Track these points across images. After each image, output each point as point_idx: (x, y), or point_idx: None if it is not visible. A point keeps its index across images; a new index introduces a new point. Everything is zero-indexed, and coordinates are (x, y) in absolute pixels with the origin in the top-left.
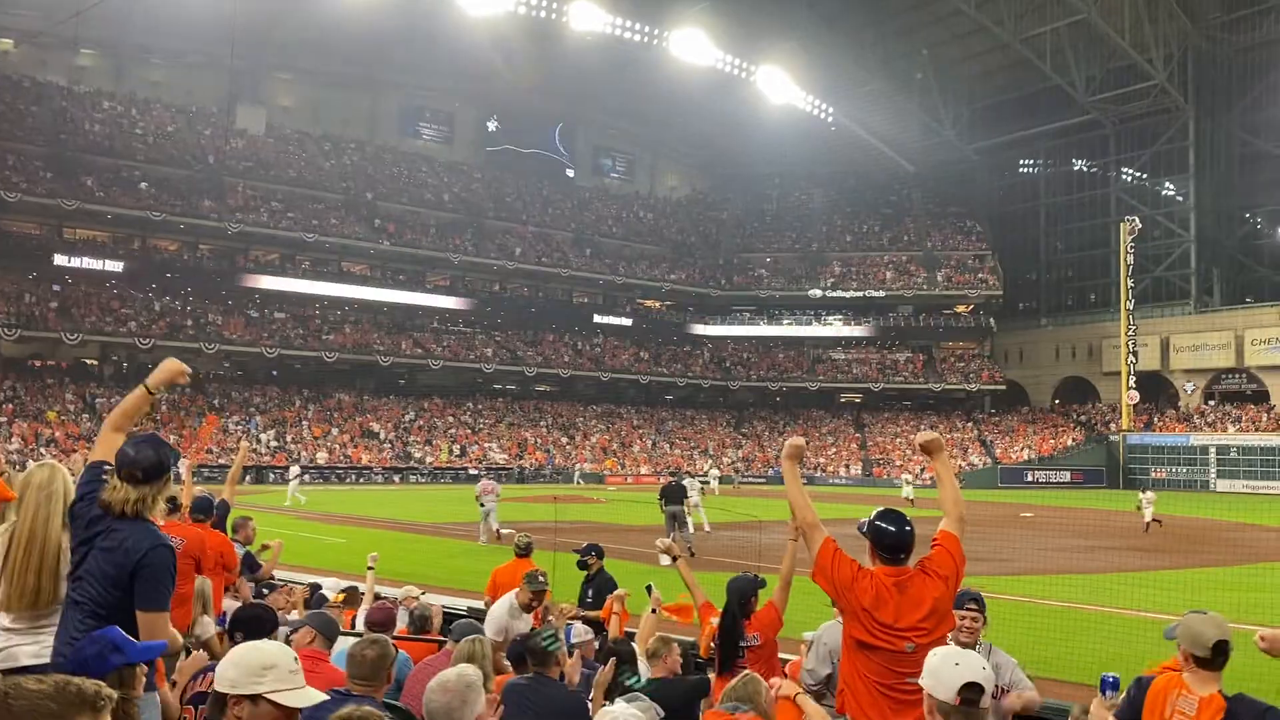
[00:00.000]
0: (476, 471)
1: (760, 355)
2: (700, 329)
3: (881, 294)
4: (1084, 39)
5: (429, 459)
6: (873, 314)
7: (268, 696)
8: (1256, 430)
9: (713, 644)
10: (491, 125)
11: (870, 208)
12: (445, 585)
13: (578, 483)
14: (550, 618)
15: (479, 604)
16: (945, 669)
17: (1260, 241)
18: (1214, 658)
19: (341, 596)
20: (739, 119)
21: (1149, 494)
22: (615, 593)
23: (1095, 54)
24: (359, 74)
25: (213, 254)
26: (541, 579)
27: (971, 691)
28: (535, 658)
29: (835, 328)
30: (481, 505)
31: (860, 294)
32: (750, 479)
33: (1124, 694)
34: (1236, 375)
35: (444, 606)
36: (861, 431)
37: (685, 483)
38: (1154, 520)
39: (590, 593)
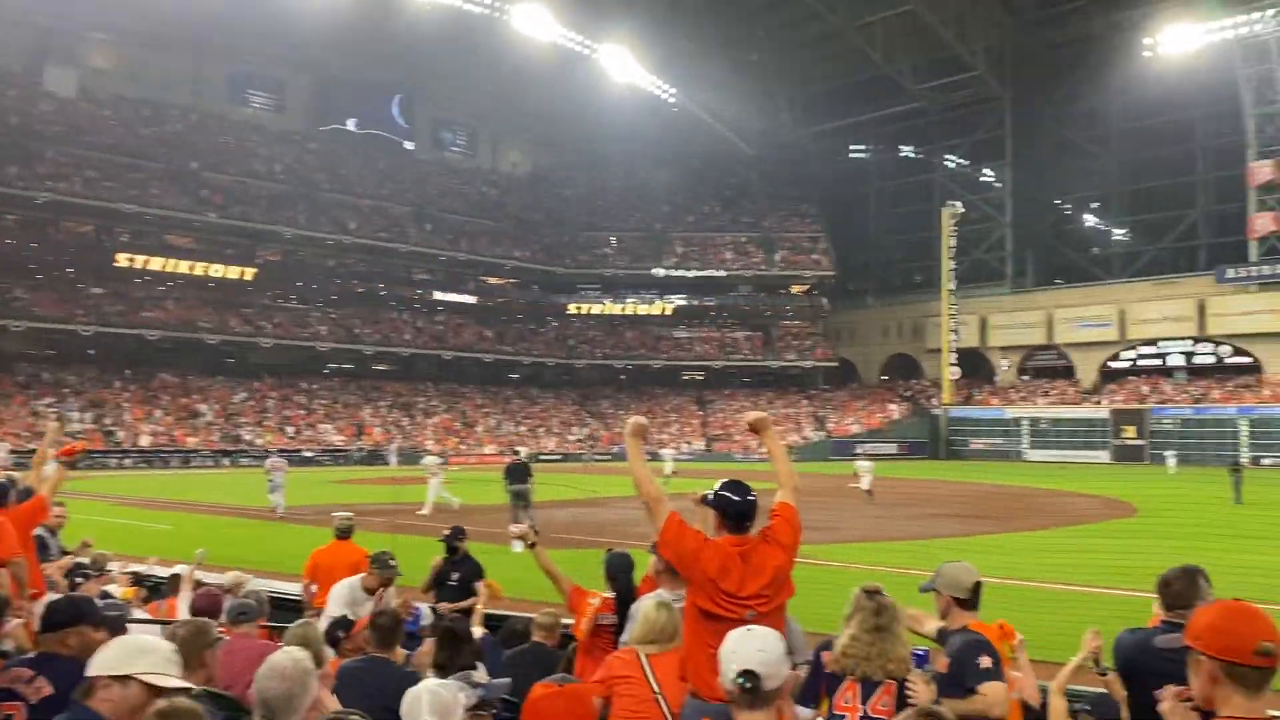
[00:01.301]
0: (312, 453)
1: (606, 334)
2: (546, 307)
3: (723, 274)
4: (912, 29)
5: (259, 441)
6: (714, 293)
7: (138, 676)
8: (1064, 403)
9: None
10: (326, 94)
11: (712, 189)
12: (275, 569)
13: (393, 464)
14: (393, 602)
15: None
16: (725, 655)
17: (1070, 227)
18: (972, 598)
19: (131, 593)
20: (583, 96)
21: (865, 463)
22: (484, 581)
23: (922, 44)
24: (182, 35)
25: (19, 225)
26: (392, 563)
27: (747, 678)
28: (379, 636)
29: (678, 306)
30: (270, 480)
31: (702, 274)
32: (598, 456)
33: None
34: (1047, 352)
35: (271, 591)
36: (703, 408)
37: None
38: (868, 490)
39: (456, 577)
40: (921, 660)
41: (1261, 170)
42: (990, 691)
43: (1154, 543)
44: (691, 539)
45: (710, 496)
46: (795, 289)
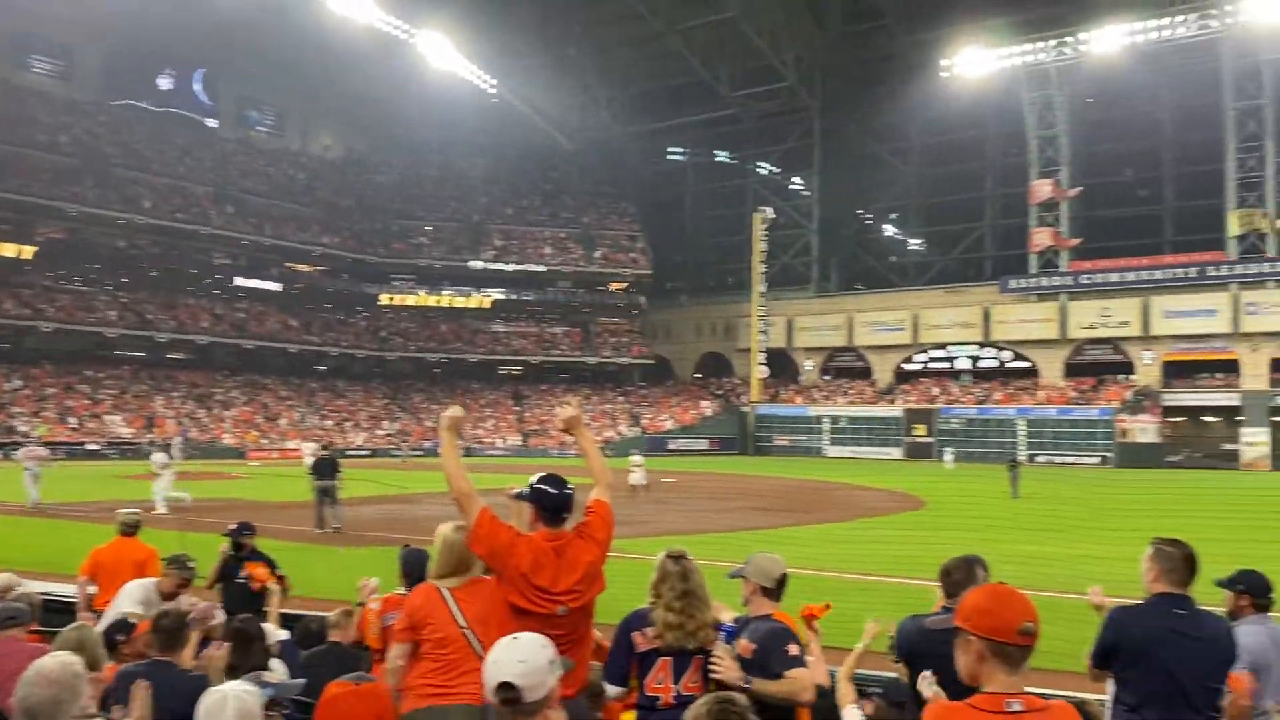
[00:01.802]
0: (96, 446)
1: (420, 326)
2: (356, 296)
3: (542, 269)
4: (730, 36)
5: (36, 433)
6: (533, 288)
7: None
8: (862, 402)
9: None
10: (119, 64)
11: (532, 182)
12: (49, 570)
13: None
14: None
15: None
16: (488, 665)
17: (871, 236)
18: (777, 588)
19: None
20: (400, 82)
21: (637, 457)
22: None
23: (739, 52)
24: None
25: None
26: (190, 564)
27: (505, 691)
28: (162, 639)
29: (495, 299)
30: (27, 470)
31: (521, 268)
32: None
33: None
34: (848, 353)
35: (44, 594)
36: (520, 404)
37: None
38: (641, 486)
39: (244, 575)
40: (730, 635)
41: (1041, 188)
42: (799, 677)
43: (940, 534)
44: (505, 534)
45: (526, 491)
46: (614, 286)
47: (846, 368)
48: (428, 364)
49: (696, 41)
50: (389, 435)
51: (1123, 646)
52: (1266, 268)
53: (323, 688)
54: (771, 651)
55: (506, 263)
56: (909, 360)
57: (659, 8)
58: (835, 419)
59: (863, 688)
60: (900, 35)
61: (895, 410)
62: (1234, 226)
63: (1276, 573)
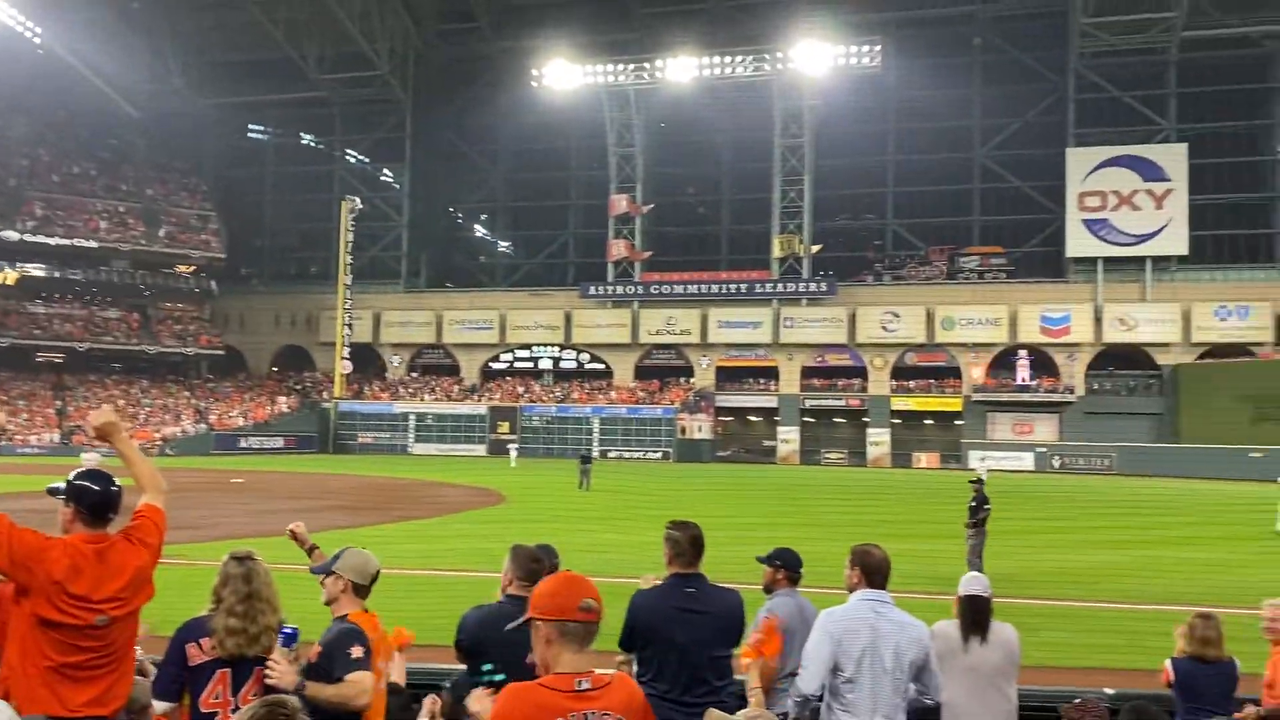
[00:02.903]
0: None
1: None
2: None
3: (93, 244)
4: (319, 15)
5: None
6: (82, 265)
7: None
8: (449, 399)
9: None
10: None
11: (85, 148)
12: None
13: None
14: None
15: None
16: None
17: (461, 234)
18: (368, 586)
19: None
20: None
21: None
22: None
23: (329, 34)
24: None
25: None
26: None
27: None
28: None
29: (33, 276)
30: None
31: (68, 241)
32: None
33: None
34: (436, 350)
35: None
36: (61, 395)
37: None
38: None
39: None
40: (290, 639)
41: (619, 203)
42: (357, 681)
43: (517, 526)
44: (31, 538)
45: (63, 486)
46: (180, 269)
47: (434, 365)
48: None
49: (280, 15)
50: None
51: (638, 627)
52: (801, 287)
53: None
54: (335, 654)
55: (50, 235)
56: (495, 359)
57: None
58: (421, 416)
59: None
60: (493, 40)
61: (481, 408)
62: (777, 249)
63: (807, 552)
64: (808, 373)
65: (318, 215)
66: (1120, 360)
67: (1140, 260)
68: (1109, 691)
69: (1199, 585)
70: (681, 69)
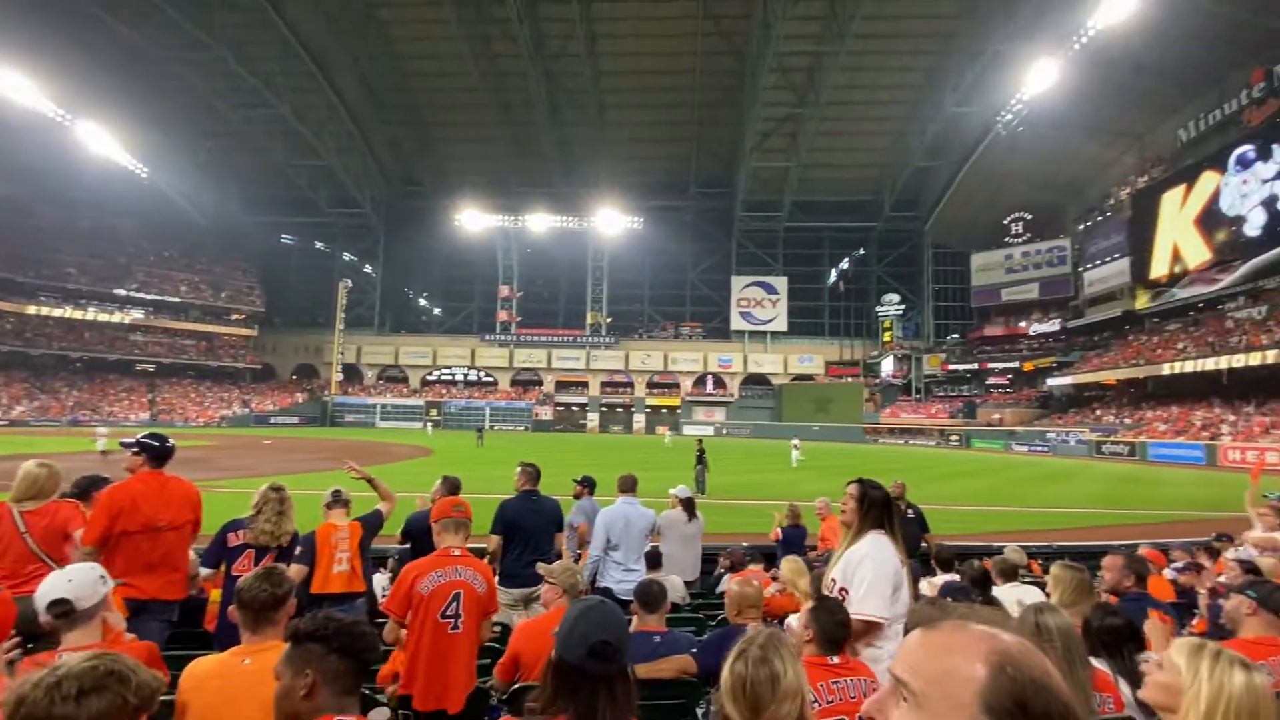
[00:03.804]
0: None
1: (65, 331)
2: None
3: (176, 299)
4: (328, 174)
5: None
6: (168, 313)
7: None
8: (402, 396)
9: None
10: None
11: (171, 241)
12: None
13: None
14: None
15: None
16: (39, 595)
17: (412, 303)
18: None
19: None
20: (57, 153)
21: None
22: None
23: (333, 185)
24: None
25: None
26: None
27: (58, 607)
28: None
29: (134, 318)
30: None
31: (159, 297)
32: None
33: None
34: (395, 368)
35: None
36: (152, 390)
37: None
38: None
39: None
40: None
41: (503, 290)
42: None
43: (440, 467)
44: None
45: (132, 442)
46: (235, 316)
47: (394, 376)
48: (70, 360)
49: (303, 173)
50: (25, 410)
51: (506, 519)
52: (600, 339)
53: None
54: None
55: (146, 292)
56: (430, 374)
57: (278, 149)
58: (385, 405)
59: None
60: (432, 198)
61: (420, 401)
62: (589, 319)
63: (600, 476)
64: (603, 385)
65: (323, 287)
66: (755, 381)
67: (765, 333)
68: (744, 544)
69: (787, 492)
70: (539, 221)
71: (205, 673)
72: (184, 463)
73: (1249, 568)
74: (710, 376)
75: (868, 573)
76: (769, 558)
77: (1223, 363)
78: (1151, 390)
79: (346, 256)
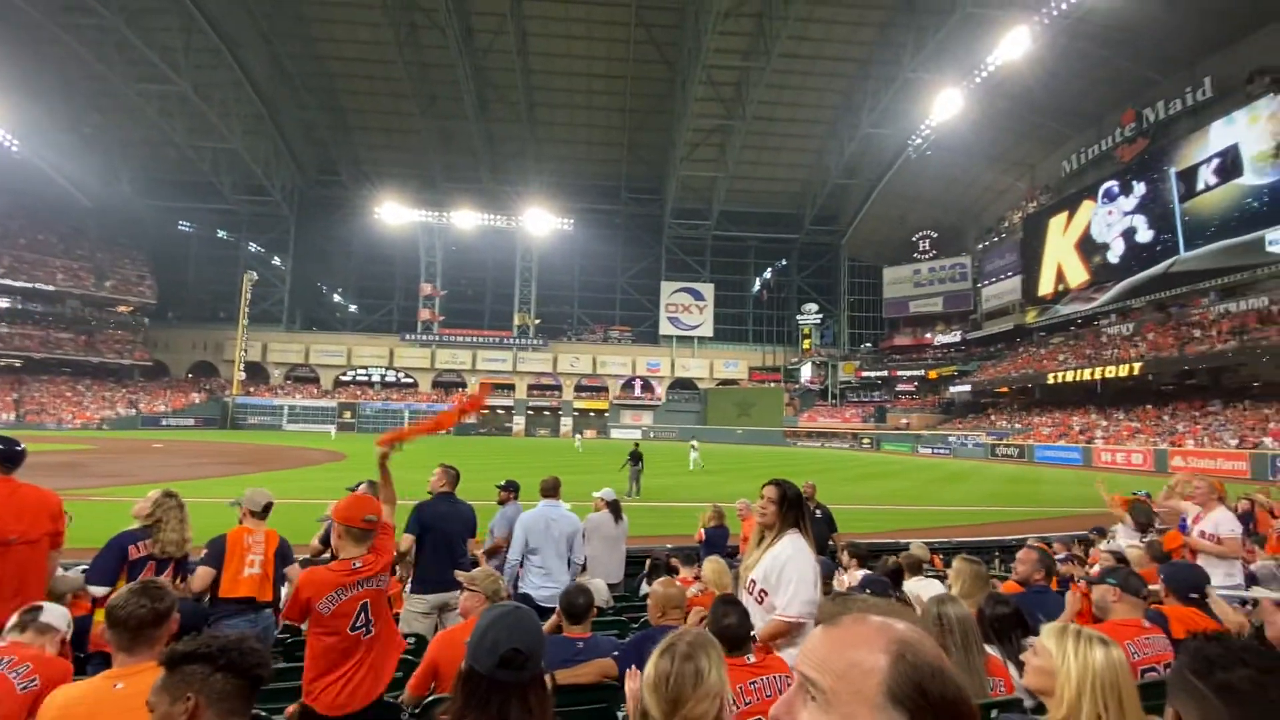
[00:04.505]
0: None
1: None
2: None
3: (51, 288)
4: (235, 159)
5: None
6: (40, 301)
7: None
8: (312, 397)
9: None
10: None
11: (47, 225)
12: None
13: None
14: None
15: None
16: None
17: (325, 298)
18: (263, 512)
19: None
20: None
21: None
22: None
23: (240, 170)
24: None
25: None
26: None
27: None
28: None
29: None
30: None
31: (30, 285)
32: None
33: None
34: (305, 367)
35: None
36: (19, 389)
37: None
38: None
39: None
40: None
41: (426, 288)
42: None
43: (354, 472)
44: None
45: None
46: (121, 309)
47: (304, 376)
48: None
49: (206, 155)
50: None
51: (422, 521)
52: (528, 341)
53: None
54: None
55: (15, 279)
56: (344, 374)
57: (177, 128)
58: (293, 406)
59: None
60: (350, 189)
61: (333, 402)
62: (516, 320)
63: (524, 481)
64: (530, 388)
65: (226, 280)
66: (682, 385)
67: (692, 338)
68: (669, 546)
69: (713, 494)
70: (465, 218)
71: (70, 700)
72: (50, 468)
73: (1119, 558)
74: (639, 380)
75: (792, 574)
76: (694, 559)
77: (1097, 373)
78: (1038, 397)
79: (253, 247)
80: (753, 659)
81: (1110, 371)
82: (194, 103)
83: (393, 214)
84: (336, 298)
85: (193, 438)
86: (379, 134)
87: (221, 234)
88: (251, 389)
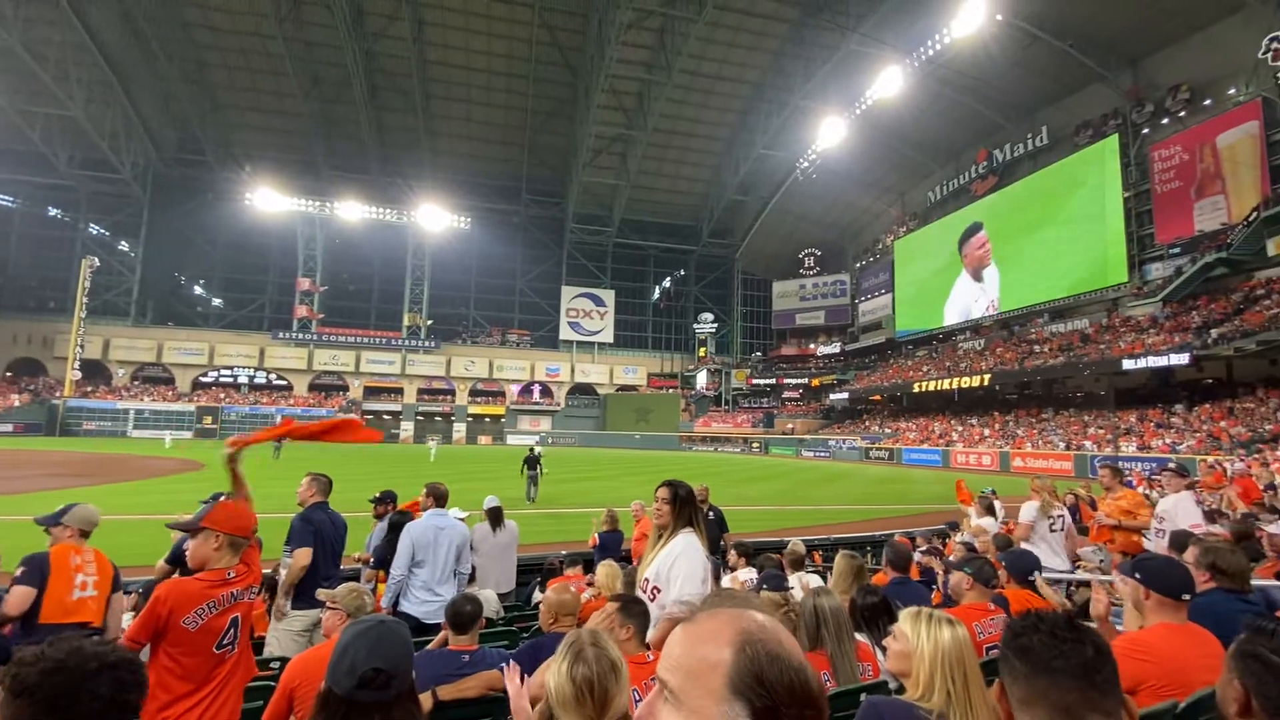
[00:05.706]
0: None
1: None
2: None
3: None
4: (74, 129)
5: None
6: None
7: None
8: (165, 400)
9: None
10: None
11: None
12: None
13: None
14: None
15: None
16: None
17: (183, 290)
18: (89, 530)
19: None
20: None
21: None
22: None
23: (80, 143)
24: None
25: None
26: None
27: None
28: None
29: None
30: None
31: None
32: None
33: None
34: (157, 367)
35: None
36: None
37: None
38: None
39: None
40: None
41: (304, 282)
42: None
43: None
44: None
45: None
46: None
47: (155, 377)
48: None
49: (37, 120)
50: None
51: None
52: (418, 342)
53: None
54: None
55: None
56: (205, 375)
57: (1, 88)
58: (140, 411)
59: None
60: (216, 170)
61: (190, 406)
62: (406, 320)
63: (404, 491)
64: (420, 392)
65: (58, 266)
66: (581, 390)
67: (592, 344)
68: (564, 553)
69: (610, 498)
70: (351, 210)
71: None
72: None
73: (971, 549)
74: (537, 385)
75: (681, 570)
76: (588, 564)
77: (954, 384)
78: (906, 405)
79: (94, 230)
80: (651, 657)
81: (965, 382)
82: (22, 59)
83: (267, 201)
84: (198, 290)
85: (11, 445)
86: (253, 113)
87: (54, 212)
88: (89, 390)
